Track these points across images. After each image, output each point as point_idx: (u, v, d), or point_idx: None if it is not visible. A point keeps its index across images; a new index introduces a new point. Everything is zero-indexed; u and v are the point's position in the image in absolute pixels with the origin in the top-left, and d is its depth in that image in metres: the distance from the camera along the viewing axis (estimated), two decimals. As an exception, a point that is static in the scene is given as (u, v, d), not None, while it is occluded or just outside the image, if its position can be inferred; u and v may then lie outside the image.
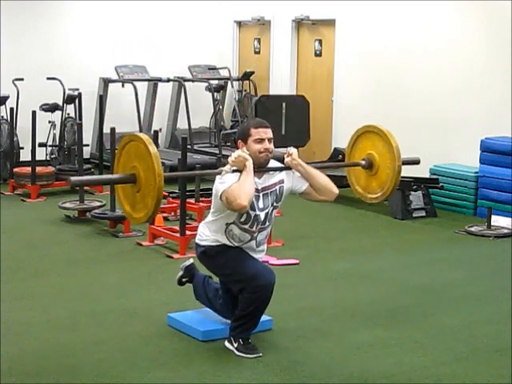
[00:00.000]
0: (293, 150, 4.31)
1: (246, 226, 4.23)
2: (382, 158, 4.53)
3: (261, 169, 4.21)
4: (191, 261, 4.88)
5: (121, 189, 4.08)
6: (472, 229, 7.43)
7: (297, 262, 6.24)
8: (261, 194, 4.23)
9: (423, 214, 8.11)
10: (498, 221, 7.51)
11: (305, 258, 6.36)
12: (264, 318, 4.60)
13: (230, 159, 4.15)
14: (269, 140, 4.21)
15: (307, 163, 4.38)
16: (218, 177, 4.16)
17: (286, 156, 4.30)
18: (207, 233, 4.36)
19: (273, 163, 4.31)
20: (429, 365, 4.22)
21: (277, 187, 4.29)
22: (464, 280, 5.93)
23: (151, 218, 3.94)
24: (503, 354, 4.38)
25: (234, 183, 4.05)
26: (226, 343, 4.36)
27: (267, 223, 4.30)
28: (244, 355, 4.25)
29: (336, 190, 4.35)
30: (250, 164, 4.09)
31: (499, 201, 7.86)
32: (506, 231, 7.33)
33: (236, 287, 4.31)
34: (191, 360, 4.23)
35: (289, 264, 6.19)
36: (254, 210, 4.20)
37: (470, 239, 7.24)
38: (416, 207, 8.10)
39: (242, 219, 4.21)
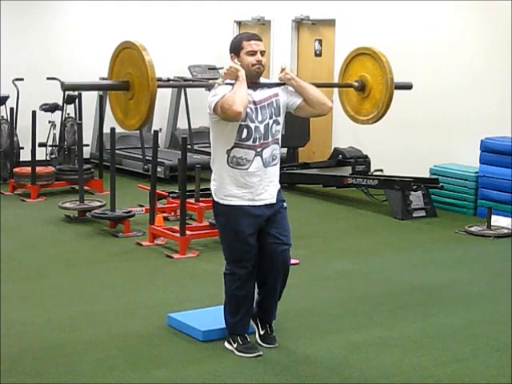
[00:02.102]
0: (286, 65, 4.32)
1: (249, 142, 4.15)
2: (374, 77, 4.56)
3: (254, 84, 4.19)
4: None
5: (114, 96, 4.05)
6: (472, 229, 7.43)
7: (297, 261, 6.23)
8: (258, 107, 4.19)
9: (423, 214, 8.10)
10: (497, 221, 7.51)
11: (305, 257, 6.36)
12: (264, 317, 4.61)
13: (222, 71, 4.14)
14: (261, 53, 4.19)
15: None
16: (211, 91, 4.15)
17: (279, 72, 4.30)
18: (213, 176, 4.28)
19: (264, 81, 4.32)
20: (429, 365, 4.22)
21: (273, 99, 4.25)
22: (464, 280, 5.93)
23: (144, 123, 3.92)
24: (503, 354, 4.38)
25: (227, 93, 4.04)
26: (226, 344, 4.36)
27: (270, 138, 4.21)
28: (244, 355, 4.25)
29: (329, 103, 4.33)
30: (242, 74, 4.08)
31: (499, 201, 7.86)
32: (506, 231, 7.34)
33: (223, 251, 4.36)
34: (191, 360, 4.23)
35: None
36: (254, 122, 4.16)
37: (470, 239, 7.24)
38: (416, 207, 8.10)
39: (244, 135, 4.14)
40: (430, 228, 7.72)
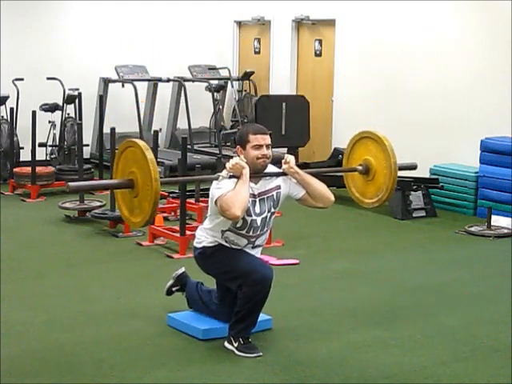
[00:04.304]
0: (290, 158, 4.37)
1: (243, 232, 4.27)
2: (378, 161, 4.59)
3: (258, 174, 4.26)
4: (183, 269, 4.92)
5: (120, 194, 4.17)
6: (472, 229, 7.43)
7: (297, 262, 6.24)
8: (257, 199, 4.26)
9: (423, 214, 8.11)
10: (497, 221, 7.51)
11: (305, 257, 6.36)
12: (264, 317, 4.61)
13: (227, 165, 4.20)
14: (267, 146, 4.26)
15: (305, 169, 4.44)
16: (214, 182, 4.21)
17: (283, 163, 4.35)
18: (205, 235, 4.38)
19: (270, 168, 4.36)
20: (429, 365, 4.22)
21: (274, 192, 4.34)
22: (464, 280, 5.93)
23: (148, 222, 4.05)
24: (503, 354, 4.38)
25: (229, 190, 4.09)
26: (226, 344, 4.36)
27: (265, 228, 4.34)
28: (244, 355, 4.25)
29: (332, 198, 4.43)
30: (246, 172, 4.15)
31: (499, 201, 7.86)
32: (506, 231, 7.34)
33: (234, 284, 4.32)
34: (191, 360, 4.23)
35: (289, 264, 6.19)
36: (250, 216, 4.24)
37: (469, 239, 7.23)
38: (416, 207, 8.10)
39: (238, 225, 4.24)
40: (430, 228, 7.72)
